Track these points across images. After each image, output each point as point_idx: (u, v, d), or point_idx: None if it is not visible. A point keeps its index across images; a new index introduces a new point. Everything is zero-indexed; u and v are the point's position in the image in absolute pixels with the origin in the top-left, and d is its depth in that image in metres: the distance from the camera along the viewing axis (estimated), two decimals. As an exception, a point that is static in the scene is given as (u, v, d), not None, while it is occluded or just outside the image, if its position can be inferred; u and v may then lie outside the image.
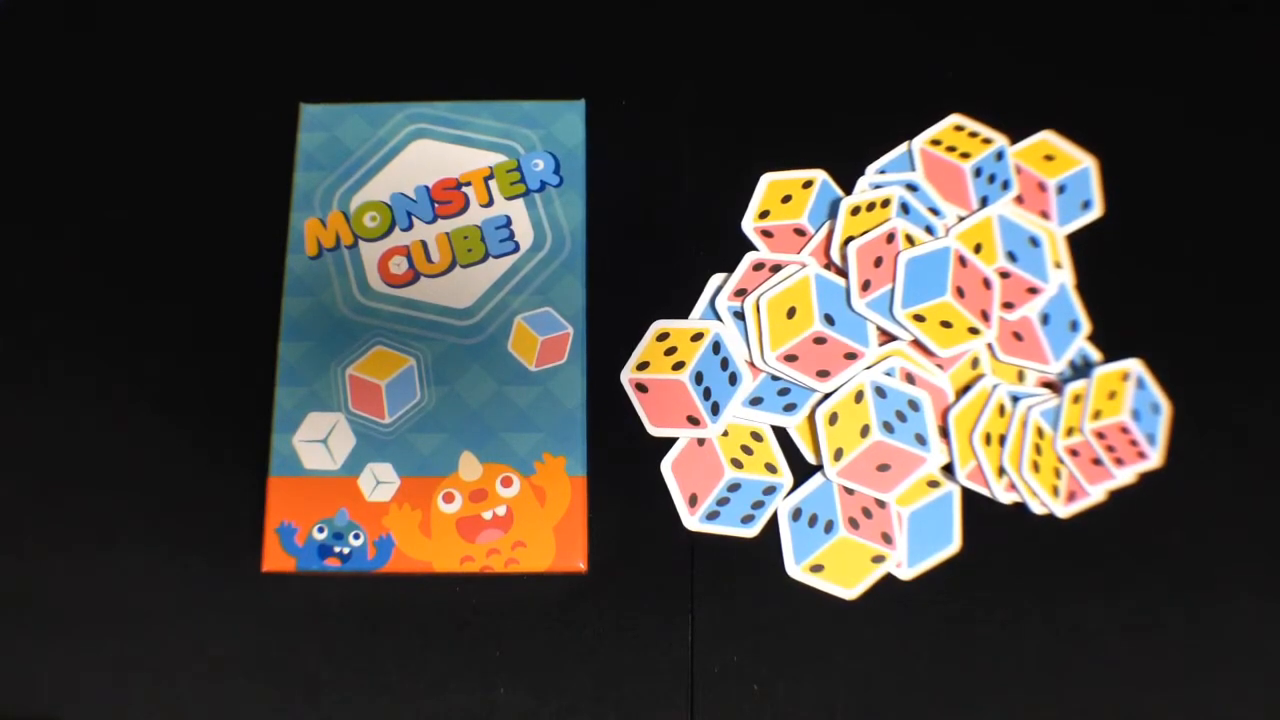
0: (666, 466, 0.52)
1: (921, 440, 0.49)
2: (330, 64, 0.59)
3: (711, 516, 0.51)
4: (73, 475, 0.53)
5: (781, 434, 0.53)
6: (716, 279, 0.54)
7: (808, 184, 0.55)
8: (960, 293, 0.49)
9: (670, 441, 0.53)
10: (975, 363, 0.52)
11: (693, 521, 0.51)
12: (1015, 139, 0.56)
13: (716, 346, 0.51)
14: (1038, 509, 0.51)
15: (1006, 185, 0.53)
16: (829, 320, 0.49)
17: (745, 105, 0.58)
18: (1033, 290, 0.51)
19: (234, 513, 0.52)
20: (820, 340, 0.49)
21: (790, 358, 0.49)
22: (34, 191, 0.57)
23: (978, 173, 0.54)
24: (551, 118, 0.56)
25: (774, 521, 0.52)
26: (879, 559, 0.50)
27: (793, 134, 0.57)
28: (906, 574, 0.51)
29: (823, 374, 0.50)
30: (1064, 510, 0.51)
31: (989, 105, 0.56)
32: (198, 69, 0.59)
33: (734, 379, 0.51)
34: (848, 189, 0.56)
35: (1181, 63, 0.59)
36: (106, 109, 0.59)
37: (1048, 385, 0.53)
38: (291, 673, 0.50)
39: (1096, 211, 0.55)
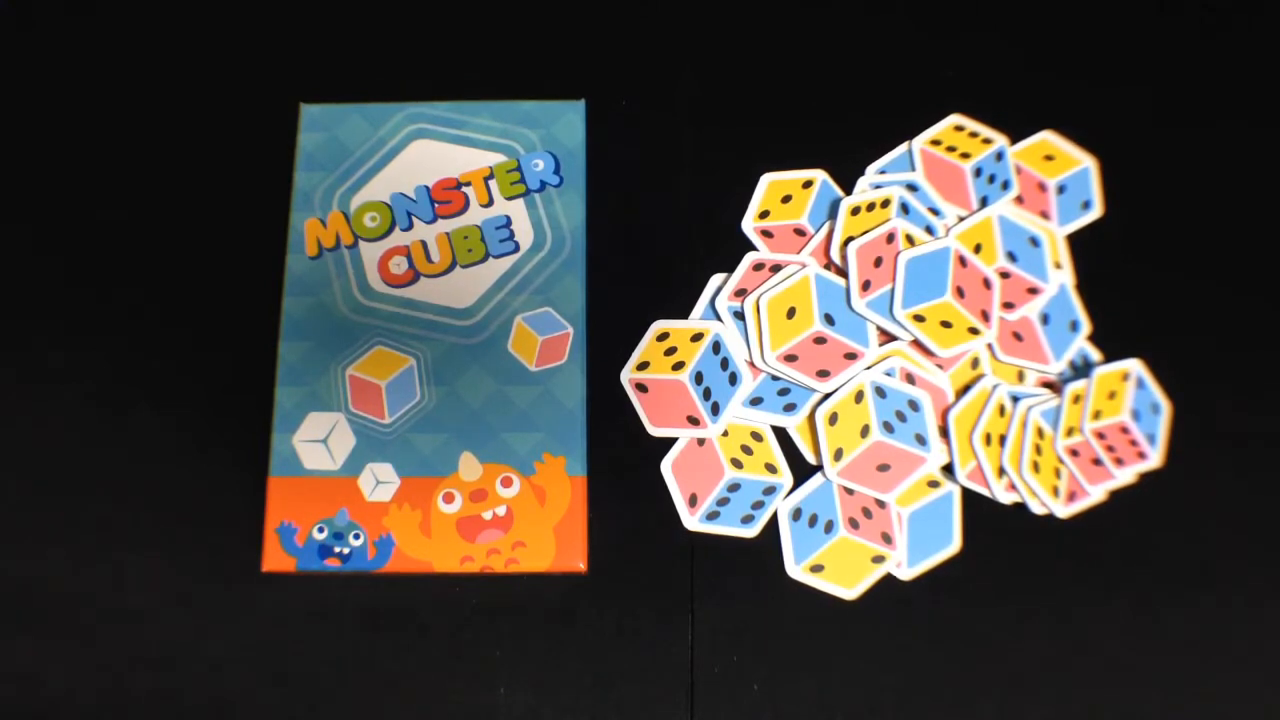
0: (666, 466, 0.52)
1: (921, 440, 0.49)
2: (330, 64, 0.59)
3: (711, 516, 0.51)
4: (73, 475, 0.53)
5: (781, 434, 0.53)
6: (716, 279, 0.54)
7: (808, 184, 0.55)
8: (960, 293, 0.49)
9: (670, 441, 0.53)
10: (975, 363, 0.52)
11: (693, 521, 0.51)
12: (1015, 139, 0.56)
13: (716, 346, 0.51)
14: (1038, 509, 0.51)
15: (1006, 185, 0.53)
16: (829, 320, 0.49)
17: (745, 105, 0.58)
18: (1033, 290, 0.51)
19: (234, 513, 0.52)
20: (820, 340, 0.49)
21: (790, 358, 0.50)
22: (34, 192, 0.57)
23: (978, 173, 0.54)
24: (551, 118, 0.56)
25: (774, 521, 0.52)
26: (879, 559, 0.50)
27: (793, 134, 0.57)
28: (906, 574, 0.51)
29: (823, 374, 0.50)
30: (1064, 510, 0.51)
31: (989, 105, 0.56)
32: (197, 69, 0.59)
33: (734, 379, 0.51)
34: (848, 189, 0.56)
35: (1182, 63, 0.59)
36: (107, 109, 0.59)
37: (1048, 385, 0.53)
38: (291, 673, 0.50)
39: (1096, 211, 0.55)
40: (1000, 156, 0.54)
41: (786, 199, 0.55)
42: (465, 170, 0.55)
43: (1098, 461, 0.51)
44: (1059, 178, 0.54)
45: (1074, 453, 0.51)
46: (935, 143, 0.55)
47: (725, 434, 0.52)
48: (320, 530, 0.50)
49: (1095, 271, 0.55)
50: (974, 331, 0.50)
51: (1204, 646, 0.50)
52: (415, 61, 0.59)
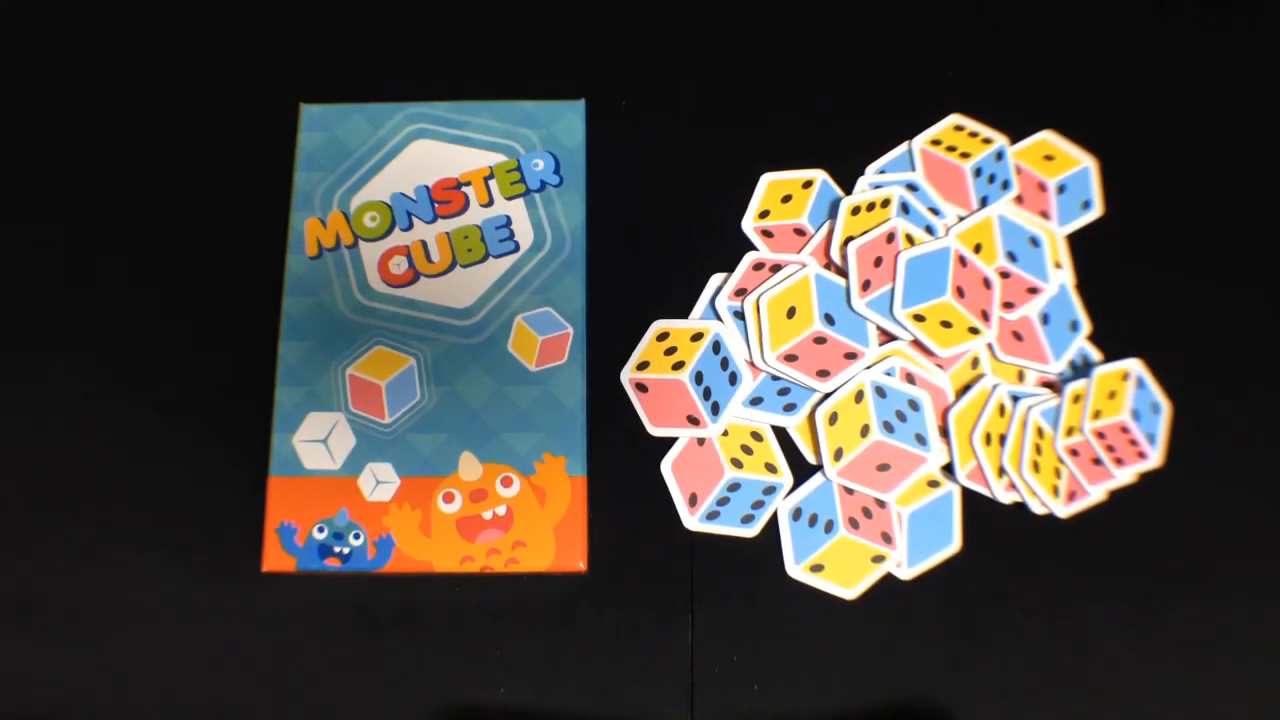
0: (666, 466, 0.52)
1: (921, 440, 0.49)
2: (330, 64, 0.59)
3: (711, 516, 0.51)
4: (73, 475, 0.53)
5: (781, 434, 0.53)
6: (716, 279, 0.54)
7: (808, 184, 0.55)
8: (960, 293, 0.49)
9: (670, 441, 0.53)
10: (975, 363, 0.52)
11: (693, 521, 0.51)
12: (1015, 139, 0.56)
13: (716, 346, 0.51)
14: (1038, 509, 0.51)
15: (1006, 185, 0.53)
16: (829, 320, 0.49)
17: (746, 105, 0.58)
18: (1033, 290, 0.51)
19: (234, 513, 0.52)
20: (820, 340, 0.49)
21: (790, 358, 0.50)
22: (35, 191, 0.57)
23: (978, 173, 0.54)
24: (551, 118, 0.56)
25: (774, 521, 0.52)
26: (879, 559, 0.50)
27: (793, 134, 0.57)
28: (906, 574, 0.51)
29: (823, 374, 0.50)
30: (1064, 510, 0.51)
31: (989, 105, 0.56)
32: (197, 69, 0.59)
33: (734, 379, 0.51)
34: (848, 189, 0.56)
35: (1182, 63, 0.59)
36: (107, 109, 0.59)
37: (1048, 385, 0.53)
38: (291, 673, 0.50)
39: (1096, 211, 0.55)
40: (1000, 156, 0.54)
41: (786, 199, 0.55)
42: (465, 170, 0.55)
43: (1098, 461, 0.51)
44: (1059, 178, 0.54)
45: (1074, 452, 0.51)
46: (935, 143, 0.55)
47: (725, 434, 0.52)
48: (320, 530, 0.50)
49: (1095, 271, 0.55)
50: (974, 331, 0.50)
51: (1204, 646, 0.50)
52: (415, 61, 0.59)
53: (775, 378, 0.52)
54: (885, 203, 0.52)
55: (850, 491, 0.50)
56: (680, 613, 0.51)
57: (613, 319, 0.54)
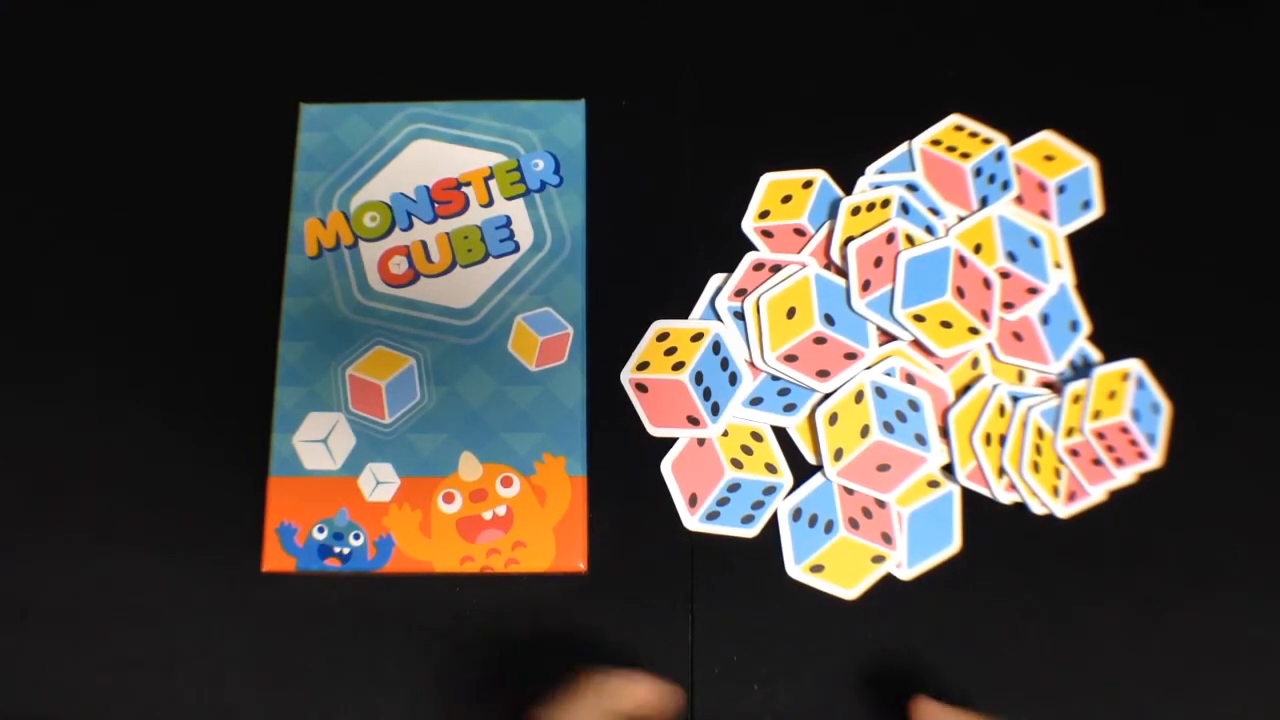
0: (666, 466, 0.52)
1: (921, 440, 0.49)
2: (330, 64, 0.59)
3: (711, 516, 0.51)
4: (73, 475, 0.53)
5: (781, 434, 0.53)
6: (716, 279, 0.54)
7: (808, 184, 0.55)
8: (960, 293, 0.49)
9: (670, 441, 0.53)
10: (975, 363, 0.52)
11: (693, 521, 0.51)
12: (1015, 139, 0.56)
13: (716, 346, 0.51)
14: (1038, 509, 0.51)
15: (1006, 185, 0.53)
16: (829, 320, 0.49)
17: (746, 105, 0.58)
18: (1033, 290, 0.51)
19: (234, 513, 0.52)
20: (820, 340, 0.49)
21: (790, 358, 0.50)
22: (35, 191, 0.57)
23: (978, 173, 0.54)
24: (551, 118, 0.56)
25: (774, 521, 0.52)
26: (879, 559, 0.50)
27: (793, 134, 0.57)
28: (906, 574, 0.51)
29: (823, 374, 0.50)
30: (1064, 510, 0.51)
31: (989, 105, 0.56)
32: (197, 69, 0.59)
33: (734, 379, 0.51)
34: (848, 189, 0.56)
35: (1181, 63, 0.59)
36: (107, 109, 0.59)
37: (1048, 385, 0.53)
38: (291, 673, 0.50)
39: (1096, 211, 0.55)
40: (1000, 156, 0.54)
41: (786, 199, 0.55)
42: (465, 170, 0.55)
43: (1098, 461, 0.51)
44: (1059, 178, 0.54)
45: (1074, 453, 0.51)
46: (935, 143, 0.55)
47: (725, 434, 0.52)
48: (320, 530, 0.50)
49: (1095, 271, 0.55)
50: (974, 331, 0.50)
51: (1204, 646, 0.50)
52: (415, 61, 0.59)
53: (775, 378, 0.52)
54: (885, 203, 0.52)
55: (850, 492, 0.50)
56: (680, 613, 0.51)
57: (613, 319, 0.54)
